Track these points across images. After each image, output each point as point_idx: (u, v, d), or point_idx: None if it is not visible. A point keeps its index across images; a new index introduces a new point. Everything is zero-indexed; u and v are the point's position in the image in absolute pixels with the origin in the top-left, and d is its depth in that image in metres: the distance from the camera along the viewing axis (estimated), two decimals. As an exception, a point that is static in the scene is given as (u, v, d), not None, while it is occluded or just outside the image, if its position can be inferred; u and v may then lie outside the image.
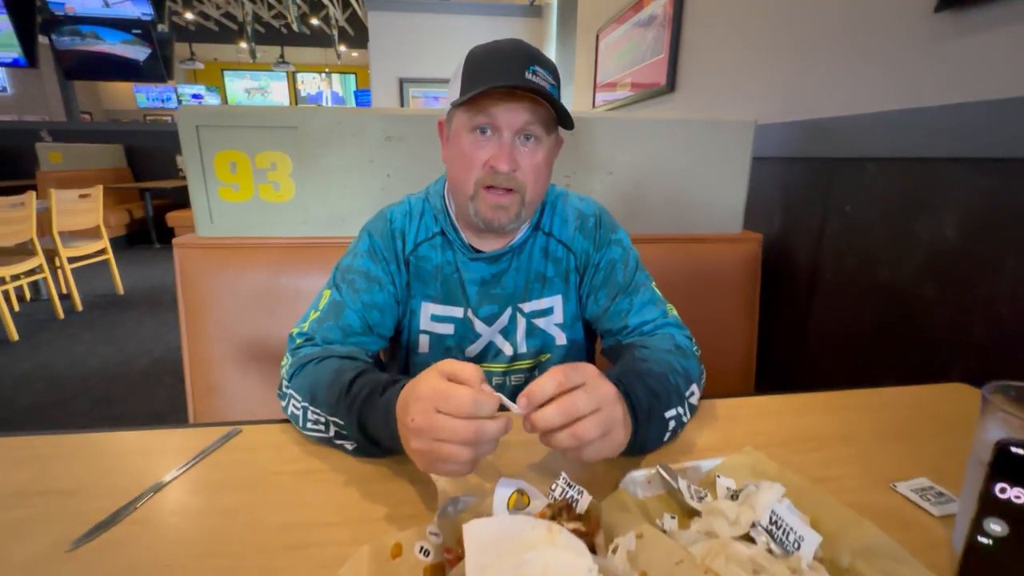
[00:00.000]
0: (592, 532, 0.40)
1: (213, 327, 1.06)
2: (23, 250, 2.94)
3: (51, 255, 3.08)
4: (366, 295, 0.70)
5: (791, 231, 1.19)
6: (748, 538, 0.41)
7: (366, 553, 0.36)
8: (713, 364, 0.73)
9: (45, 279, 3.02)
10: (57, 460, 0.54)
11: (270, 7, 8.94)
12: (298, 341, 0.67)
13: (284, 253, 1.06)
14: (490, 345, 0.76)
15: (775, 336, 1.24)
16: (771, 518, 0.41)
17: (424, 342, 0.76)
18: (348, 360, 0.60)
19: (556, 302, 0.76)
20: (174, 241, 1.05)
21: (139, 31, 5.45)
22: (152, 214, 4.97)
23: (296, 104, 11.47)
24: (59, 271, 3.17)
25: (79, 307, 3.19)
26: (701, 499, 0.46)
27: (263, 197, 1.06)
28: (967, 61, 0.78)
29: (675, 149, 1.15)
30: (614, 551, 0.37)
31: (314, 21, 9.33)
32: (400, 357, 0.79)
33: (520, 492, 0.41)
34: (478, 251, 0.73)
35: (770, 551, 0.39)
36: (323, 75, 12.01)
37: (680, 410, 0.58)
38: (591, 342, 0.84)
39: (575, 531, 0.37)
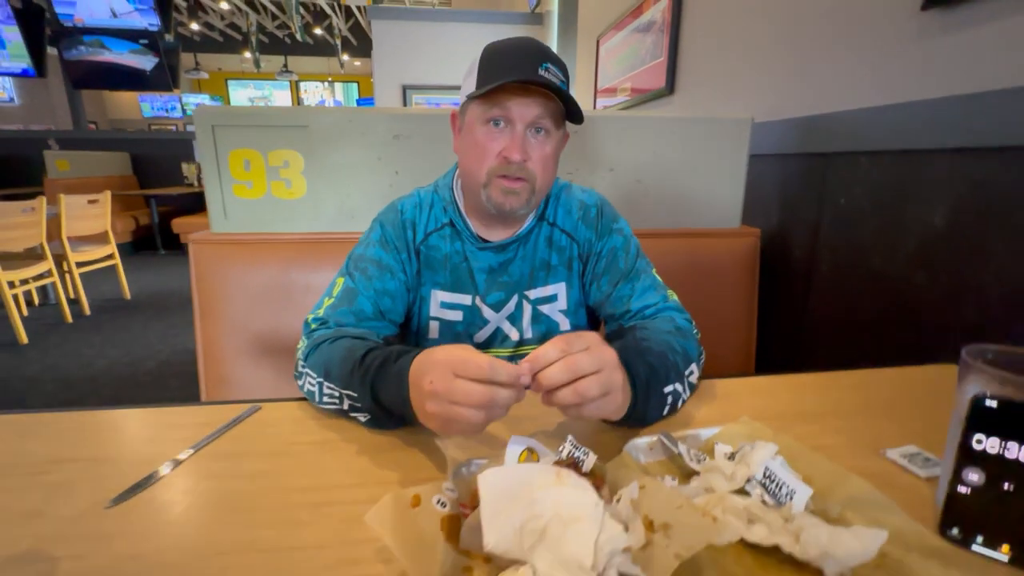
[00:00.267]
0: (598, 487, 0.42)
1: (226, 321, 1.09)
2: (32, 255, 2.99)
3: (59, 260, 3.12)
4: (378, 282, 0.73)
5: (788, 225, 1.22)
6: (744, 492, 0.44)
7: (389, 501, 0.39)
8: (713, 354, 0.75)
9: (54, 283, 3.06)
10: (83, 433, 0.57)
11: (274, 17, 9.07)
12: (313, 326, 0.70)
13: (296, 248, 1.09)
14: (497, 331, 0.79)
15: (773, 326, 1.27)
16: (765, 472, 0.43)
17: (434, 328, 0.79)
18: (359, 339, 0.63)
19: (560, 289, 0.79)
20: (190, 237, 1.09)
21: (146, 41, 5.54)
22: (158, 221, 5.03)
23: (299, 113, 11.54)
24: (67, 276, 3.21)
25: (87, 311, 3.23)
26: (700, 462, 0.48)
27: (275, 194, 1.10)
28: (952, 56, 0.81)
29: (674, 146, 1.18)
30: (618, 500, 0.40)
31: (317, 31, 9.46)
32: (410, 343, 0.82)
33: (530, 450, 0.44)
34: (486, 241, 0.76)
35: (764, 503, 0.42)
36: (326, 84, 12.14)
37: (679, 386, 0.60)
38: (594, 328, 0.87)
39: (582, 483, 0.40)
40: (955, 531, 0.41)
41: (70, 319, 3.09)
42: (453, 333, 0.79)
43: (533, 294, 0.78)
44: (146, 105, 10.35)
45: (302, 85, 11.92)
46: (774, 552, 0.38)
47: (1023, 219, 0.72)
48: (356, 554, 0.40)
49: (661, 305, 0.73)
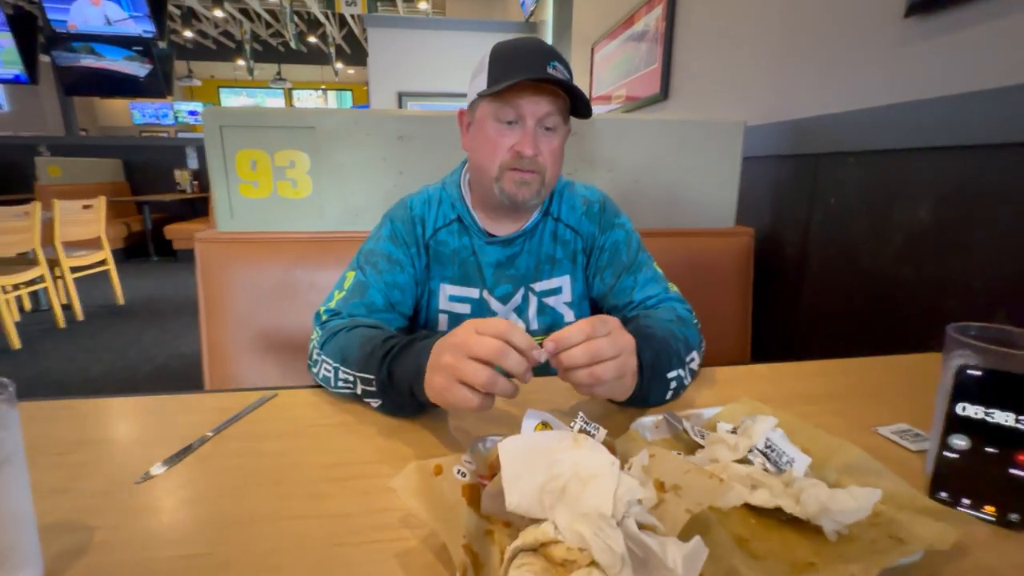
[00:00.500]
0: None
1: (231, 319, 1.10)
2: (25, 260, 2.97)
3: (52, 265, 3.10)
4: (388, 275, 0.75)
5: (781, 224, 1.26)
6: (746, 461, 0.46)
7: (413, 468, 0.41)
8: (709, 349, 0.78)
9: (46, 289, 3.04)
10: (101, 418, 0.59)
11: (268, 25, 9.10)
12: (324, 317, 0.72)
13: (301, 247, 1.11)
14: (504, 323, 0.82)
15: (767, 322, 1.30)
16: (766, 443, 0.46)
17: (443, 321, 0.81)
18: (376, 328, 0.65)
19: (565, 282, 0.82)
20: (196, 236, 1.10)
21: (140, 48, 5.54)
22: (151, 227, 5.00)
23: (292, 120, 11.52)
24: (59, 281, 3.19)
25: (80, 316, 3.20)
26: (703, 437, 0.51)
27: (281, 193, 1.12)
28: (933, 60, 0.86)
29: (671, 149, 1.22)
30: (629, 468, 0.42)
31: (311, 39, 9.50)
32: (418, 336, 0.84)
33: (545, 423, 0.46)
34: (493, 235, 0.79)
35: (766, 470, 0.45)
36: (320, 92, 12.16)
37: (681, 372, 0.63)
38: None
39: (594, 453, 0.42)
40: (943, 495, 0.43)
41: (63, 324, 3.06)
42: (461, 325, 0.81)
43: (539, 287, 0.81)
44: (136, 112, 10.30)
45: (296, 93, 11.93)
46: (776, 514, 0.41)
47: (1003, 213, 0.76)
48: (381, 521, 0.42)
49: (663, 296, 0.76)
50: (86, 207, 3.22)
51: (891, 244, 0.94)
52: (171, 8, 7.40)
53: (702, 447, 0.49)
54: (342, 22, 8.85)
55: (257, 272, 1.10)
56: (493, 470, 0.44)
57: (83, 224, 3.25)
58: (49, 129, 7.97)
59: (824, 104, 1.11)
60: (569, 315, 0.82)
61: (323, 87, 12.07)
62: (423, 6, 7.34)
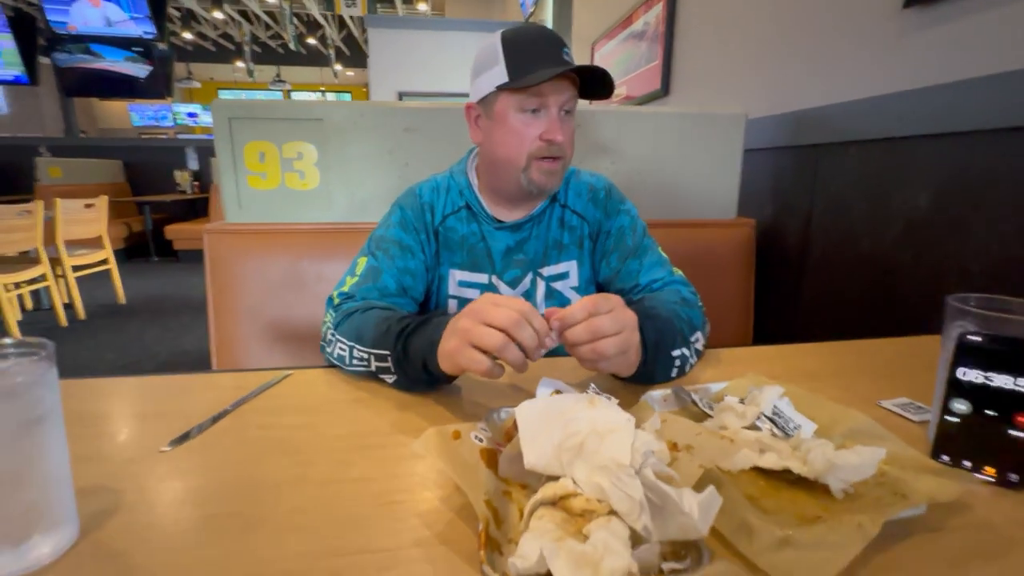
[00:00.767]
0: (622, 422, 0.46)
1: (239, 309, 1.11)
2: (26, 258, 2.98)
3: (54, 264, 3.11)
4: (400, 261, 0.77)
5: (782, 214, 1.28)
6: (754, 428, 0.48)
7: (433, 432, 0.42)
8: (712, 341, 0.79)
9: (48, 287, 3.05)
10: (122, 396, 0.60)
11: (267, 27, 9.13)
12: (337, 300, 0.73)
13: (308, 238, 1.13)
14: (512, 307, 0.83)
15: (770, 312, 1.32)
16: (773, 410, 0.48)
17: (452, 306, 0.82)
18: (390, 310, 0.67)
19: (572, 267, 0.83)
20: (204, 227, 1.11)
21: (140, 49, 5.55)
22: (151, 228, 5.01)
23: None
24: (61, 280, 3.20)
25: (81, 315, 3.21)
26: (711, 408, 0.52)
27: (289, 185, 1.13)
28: (931, 49, 0.87)
29: (673, 141, 1.23)
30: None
31: (311, 41, 9.53)
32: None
33: (558, 391, 0.48)
34: (501, 222, 0.80)
35: (773, 435, 0.46)
36: (319, 94, 12.19)
37: (685, 351, 0.64)
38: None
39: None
40: (945, 458, 0.45)
41: (65, 323, 3.07)
42: (470, 311, 0.83)
43: (546, 271, 0.82)
44: (135, 114, 10.30)
45: (295, 95, 11.95)
46: (784, 476, 0.42)
47: (999, 197, 0.77)
48: (402, 485, 0.43)
49: (668, 279, 0.78)
50: (88, 206, 3.23)
51: (891, 231, 0.95)
52: (171, 10, 7.43)
53: (711, 417, 0.50)
54: (341, 24, 8.88)
55: (265, 263, 1.11)
56: (509, 437, 0.45)
57: (85, 223, 3.26)
58: (48, 131, 7.97)
59: (825, 95, 1.13)
60: (576, 299, 0.84)
61: (322, 89, 12.10)
62: (422, 7, 7.37)
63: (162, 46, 5.81)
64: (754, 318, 1.26)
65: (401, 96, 4.28)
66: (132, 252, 5.17)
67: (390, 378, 0.60)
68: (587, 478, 0.35)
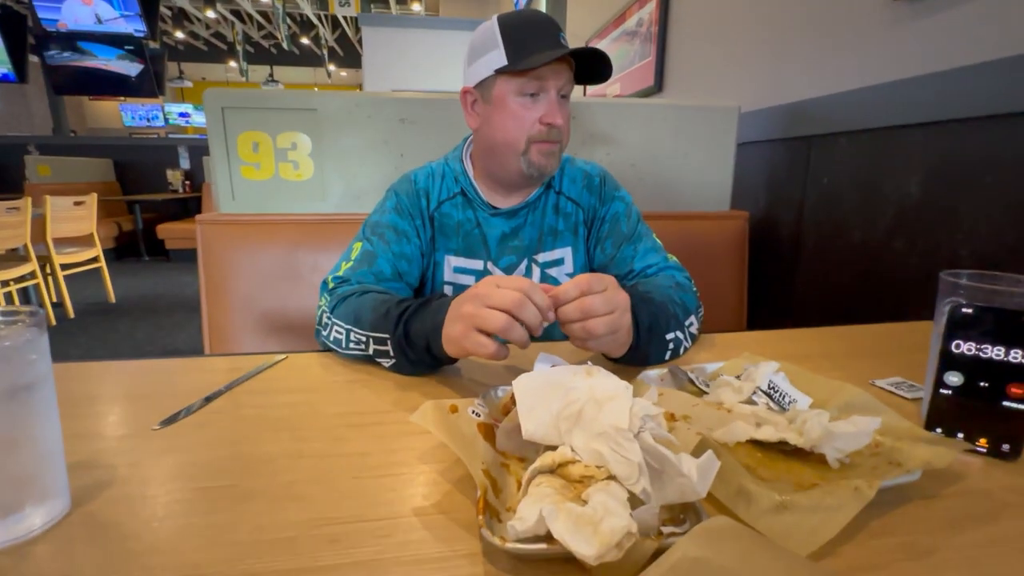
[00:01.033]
0: (619, 398, 0.46)
1: (233, 300, 1.10)
2: (15, 256, 2.94)
3: (43, 262, 3.07)
4: (396, 246, 0.77)
5: (775, 206, 1.29)
6: (750, 403, 0.48)
7: (430, 405, 0.42)
8: (705, 330, 0.80)
9: (37, 286, 3.01)
10: (114, 379, 0.60)
11: (260, 27, 9.09)
12: (332, 284, 0.73)
13: (302, 229, 1.12)
14: (507, 294, 0.83)
15: (763, 305, 1.32)
16: (769, 384, 0.48)
17: (448, 292, 0.82)
18: (387, 293, 0.66)
19: (567, 253, 0.83)
20: (197, 218, 1.10)
21: (131, 47, 5.50)
22: (142, 227, 4.96)
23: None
24: (49, 278, 3.16)
25: (71, 314, 3.17)
26: (707, 385, 0.52)
27: (283, 176, 1.13)
28: (920, 39, 0.89)
29: (667, 133, 1.24)
30: (640, 405, 0.43)
31: (304, 41, 9.49)
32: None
33: (555, 366, 0.48)
34: (496, 208, 0.80)
35: (769, 409, 0.46)
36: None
37: (679, 334, 0.65)
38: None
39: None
40: (939, 431, 0.45)
41: (54, 322, 3.03)
42: (466, 297, 0.83)
43: (541, 258, 0.82)
44: (127, 114, 10.21)
45: (287, 95, 11.90)
46: (781, 447, 0.43)
47: (988, 183, 0.78)
48: (399, 459, 0.43)
49: (662, 264, 0.78)
50: (78, 204, 3.20)
51: (883, 219, 0.96)
52: (163, 9, 7.37)
53: (707, 394, 0.51)
54: (335, 24, 8.86)
55: (258, 254, 1.10)
56: (506, 412, 0.45)
57: (74, 221, 3.22)
58: (37, 129, 7.89)
59: (816, 87, 1.14)
60: (571, 286, 0.84)
61: (315, 88, 12.05)
62: (416, 7, 7.37)
63: (153, 45, 5.76)
64: (748, 311, 1.26)
65: (395, 95, 4.28)
66: (123, 251, 5.12)
67: (387, 362, 0.59)
68: (585, 445, 0.35)
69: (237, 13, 8.37)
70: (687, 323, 0.67)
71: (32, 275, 2.95)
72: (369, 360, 0.61)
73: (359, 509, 0.36)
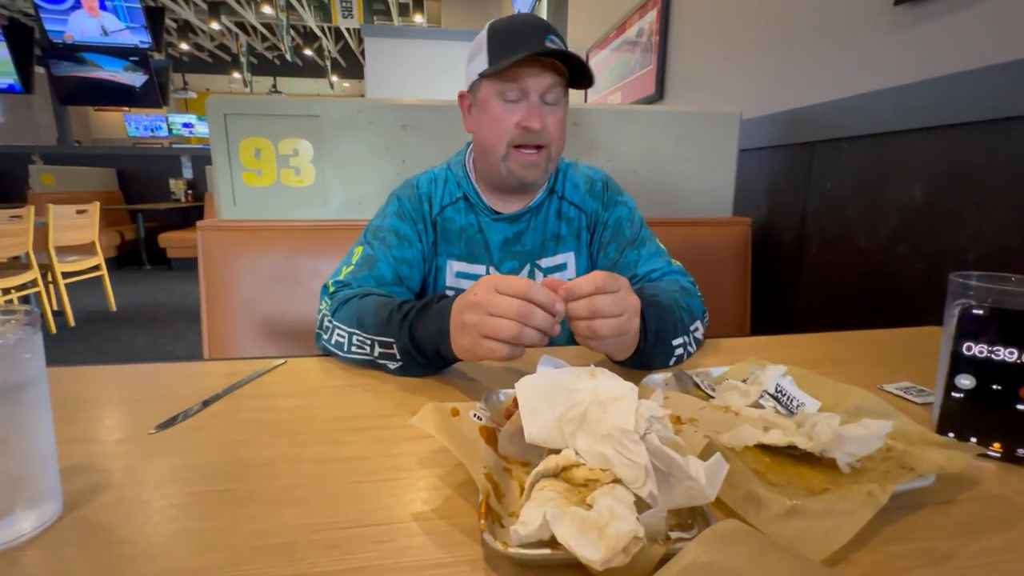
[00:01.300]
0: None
1: (234, 306, 1.10)
2: (17, 264, 2.94)
3: (44, 270, 3.07)
4: (397, 250, 0.76)
5: (778, 212, 1.28)
6: (757, 407, 0.47)
7: (431, 408, 0.41)
8: (708, 335, 0.79)
9: (38, 294, 3.01)
10: (110, 383, 0.59)
11: (264, 39, 9.19)
12: (332, 288, 0.72)
13: (304, 235, 1.12)
14: (510, 299, 0.82)
15: (767, 311, 1.31)
16: (776, 387, 0.47)
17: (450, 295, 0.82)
18: (388, 296, 0.66)
19: (569, 258, 0.83)
20: (198, 224, 1.10)
21: (136, 58, 5.56)
22: (144, 236, 4.97)
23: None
24: (51, 286, 3.16)
25: (72, 322, 3.17)
26: (713, 389, 0.52)
27: (285, 182, 1.13)
28: (922, 44, 0.89)
29: (668, 139, 1.24)
30: (645, 408, 0.43)
31: (307, 52, 9.59)
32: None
33: (558, 368, 0.47)
34: (499, 213, 0.80)
35: (777, 412, 0.45)
36: (314, 105, 12.23)
37: (685, 339, 0.64)
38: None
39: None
40: (951, 435, 0.44)
41: (54, 330, 3.03)
42: (467, 302, 0.82)
43: (544, 263, 0.82)
44: (131, 125, 10.28)
45: (290, 106, 11.98)
46: (790, 452, 0.42)
47: (991, 186, 0.78)
48: (397, 463, 0.42)
49: (666, 269, 0.77)
50: (80, 212, 3.21)
51: (887, 224, 0.96)
52: (168, 21, 7.46)
53: (713, 398, 0.50)
54: (338, 35, 8.95)
55: (259, 260, 1.10)
56: (509, 415, 0.44)
57: (77, 229, 3.23)
58: (42, 139, 7.95)
59: (818, 93, 1.14)
60: (574, 291, 0.83)
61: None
62: (419, 19, 7.45)
63: (158, 56, 5.82)
64: (751, 317, 1.26)
65: (397, 104, 4.31)
66: (124, 260, 5.13)
67: (393, 364, 0.59)
68: (590, 448, 0.34)
69: (241, 25, 8.47)
70: (693, 328, 0.66)
71: (33, 283, 2.95)
72: (371, 363, 0.61)
73: (358, 514, 0.35)
